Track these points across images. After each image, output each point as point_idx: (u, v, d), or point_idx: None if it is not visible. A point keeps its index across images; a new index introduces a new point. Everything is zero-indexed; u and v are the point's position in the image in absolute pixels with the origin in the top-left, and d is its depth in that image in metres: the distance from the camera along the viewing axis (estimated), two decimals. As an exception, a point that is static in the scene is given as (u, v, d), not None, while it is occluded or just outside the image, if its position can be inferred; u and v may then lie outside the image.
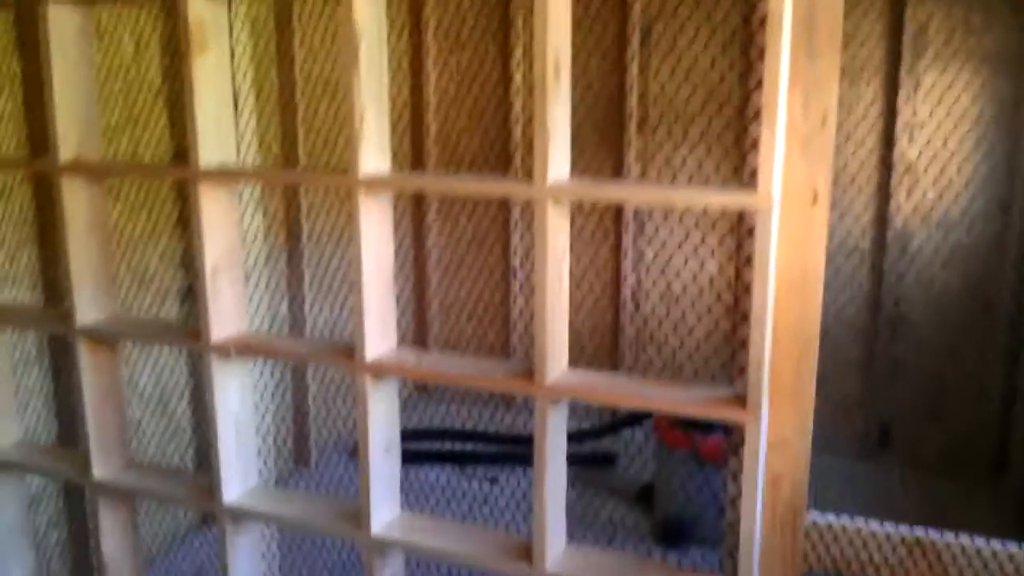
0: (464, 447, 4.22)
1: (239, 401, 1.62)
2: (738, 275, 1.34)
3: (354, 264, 1.43)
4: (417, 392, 5.09)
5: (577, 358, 1.42)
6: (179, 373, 3.40)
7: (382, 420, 1.51)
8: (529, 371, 1.39)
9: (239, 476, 1.64)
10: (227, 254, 1.57)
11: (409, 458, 4.16)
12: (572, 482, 4.14)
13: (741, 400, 1.28)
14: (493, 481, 3.97)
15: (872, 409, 3.99)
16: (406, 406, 4.87)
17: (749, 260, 1.27)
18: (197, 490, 1.66)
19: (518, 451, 4.06)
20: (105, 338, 1.68)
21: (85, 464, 1.71)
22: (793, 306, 1.27)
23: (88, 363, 1.67)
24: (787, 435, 1.34)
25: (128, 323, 1.73)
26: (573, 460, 4.45)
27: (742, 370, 1.33)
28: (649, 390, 1.35)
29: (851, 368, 4.02)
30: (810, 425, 1.36)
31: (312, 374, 4.17)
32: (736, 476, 1.38)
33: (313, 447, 4.21)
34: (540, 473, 1.41)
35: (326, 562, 3.27)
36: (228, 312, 1.58)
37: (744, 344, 1.31)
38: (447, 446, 4.24)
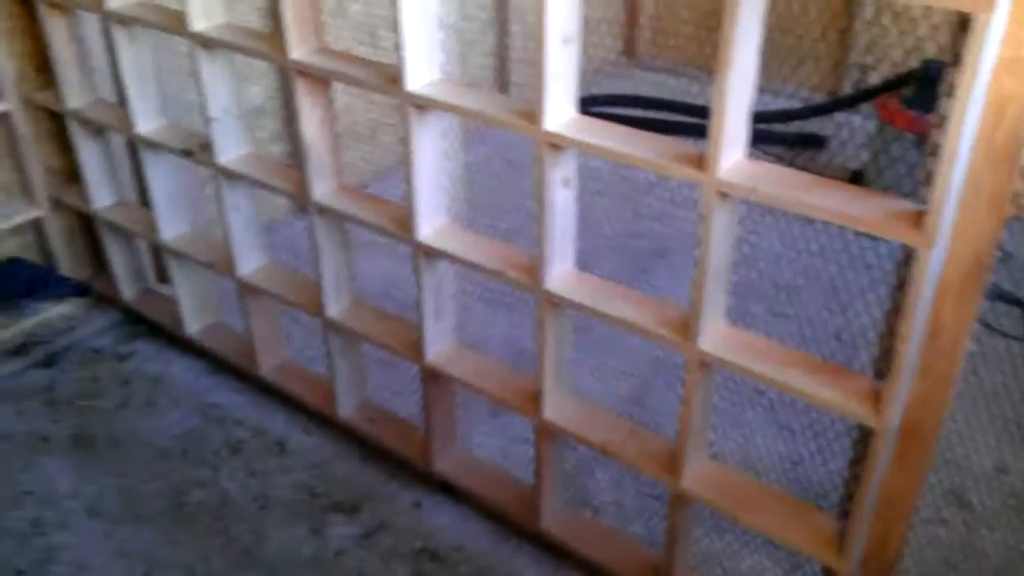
0: (669, 118, 4.08)
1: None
2: None
3: None
4: (624, 57, 4.90)
5: None
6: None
7: (560, 6, 1.42)
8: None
9: (423, 67, 1.65)
10: None
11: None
12: (777, 163, 3.95)
13: (978, -14, 1.07)
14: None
15: None
16: (612, 72, 4.72)
17: None
18: (383, 77, 1.69)
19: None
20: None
21: (283, 45, 1.78)
22: None
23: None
24: (1026, 52, 1.12)
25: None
26: (779, 139, 4.24)
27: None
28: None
29: None
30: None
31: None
32: (951, 92, 1.19)
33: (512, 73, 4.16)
34: (725, 60, 1.28)
35: (503, 164, 3.41)
36: None
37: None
38: (651, 116, 4.12)
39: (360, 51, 3.35)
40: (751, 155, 1.40)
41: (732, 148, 1.37)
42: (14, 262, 2.60)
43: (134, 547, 2.08)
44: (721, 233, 1.44)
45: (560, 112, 1.51)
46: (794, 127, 3.94)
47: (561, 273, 1.69)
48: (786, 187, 1.33)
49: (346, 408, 2.31)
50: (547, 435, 1.86)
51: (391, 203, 1.95)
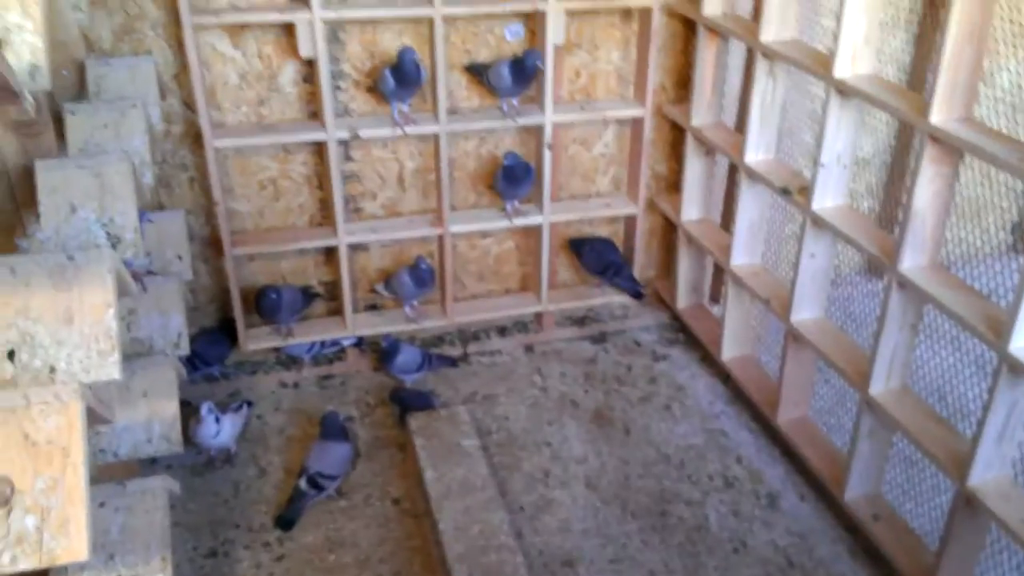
0: None
1: None
2: None
3: None
4: None
5: None
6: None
7: None
8: None
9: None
10: None
11: None
12: None
13: None
14: None
15: None
16: None
17: None
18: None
19: None
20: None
21: (925, 109, 1.67)
22: None
23: None
24: None
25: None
26: None
27: None
28: None
29: None
30: None
31: None
32: None
33: None
34: None
35: None
36: None
37: None
38: None
39: (997, 124, 3.02)
40: None
41: None
42: (606, 242, 2.90)
43: (612, 530, 2.21)
44: None
45: None
46: None
47: None
48: None
49: (853, 492, 2.14)
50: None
51: (986, 299, 1.72)
